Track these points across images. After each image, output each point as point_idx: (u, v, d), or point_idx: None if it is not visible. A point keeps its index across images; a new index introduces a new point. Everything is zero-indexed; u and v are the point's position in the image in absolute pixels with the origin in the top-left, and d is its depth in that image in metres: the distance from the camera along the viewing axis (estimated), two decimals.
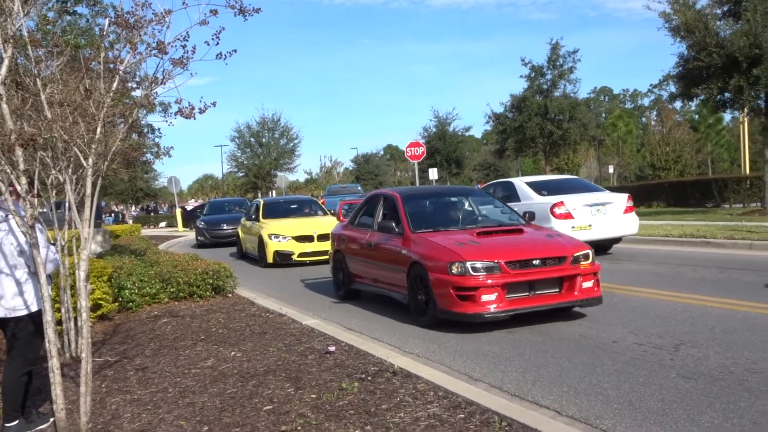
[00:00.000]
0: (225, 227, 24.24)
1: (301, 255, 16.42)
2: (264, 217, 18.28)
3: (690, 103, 31.46)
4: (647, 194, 42.99)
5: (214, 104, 5.27)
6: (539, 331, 7.77)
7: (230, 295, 11.34)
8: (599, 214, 14.38)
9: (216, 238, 24.18)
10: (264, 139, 60.74)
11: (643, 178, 69.34)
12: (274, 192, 58.25)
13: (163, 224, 49.09)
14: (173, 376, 6.48)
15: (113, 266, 10.86)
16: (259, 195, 60.81)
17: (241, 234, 19.83)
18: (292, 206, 19.69)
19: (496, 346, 7.16)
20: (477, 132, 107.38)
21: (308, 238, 16.54)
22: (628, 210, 14.86)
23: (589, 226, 14.13)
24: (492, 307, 7.58)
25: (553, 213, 14.11)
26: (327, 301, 10.90)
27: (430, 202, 10.32)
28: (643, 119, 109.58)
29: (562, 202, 14.21)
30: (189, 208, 46.00)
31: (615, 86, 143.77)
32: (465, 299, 7.66)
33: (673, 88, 28.44)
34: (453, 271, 7.73)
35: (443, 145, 57.01)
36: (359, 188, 38.56)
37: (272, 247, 16.54)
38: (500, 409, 4.91)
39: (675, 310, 8.44)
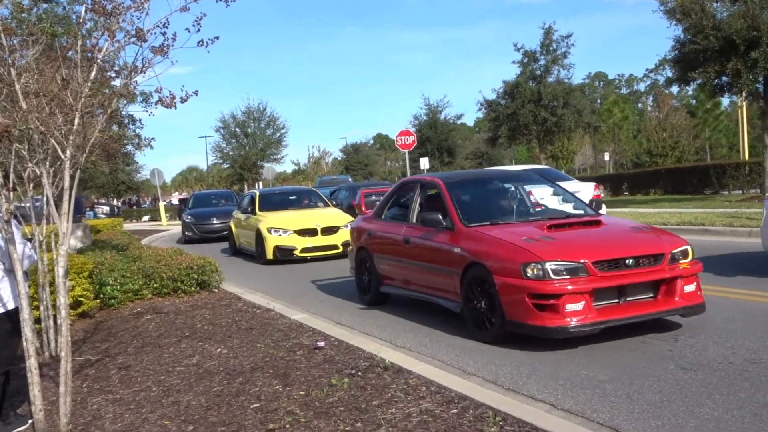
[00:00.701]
0: (214, 221, 23.81)
1: (304, 250, 15.80)
2: (261, 210, 17.58)
3: (687, 87, 31.53)
4: (644, 181, 43.17)
5: (195, 93, 5.24)
6: None
7: (216, 290, 11.31)
8: (566, 204, 14.72)
9: (205, 233, 23.71)
10: (250, 130, 60.56)
11: (640, 165, 69.57)
12: (260, 183, 58.13)
13: (146, 218, 48.92)
14: (157, 375, 6.46)
15: (94, 262, 10.81)
16: (246, 187, 60.72)
17: (234, 228, 19.17)
18: (290, 197, 19.04)
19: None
20: (469, 120, 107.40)
21: (311, 232, 15.94)
22: (594, 198, 15.10)
23: None
24: (577, 319, 6.41)
25: None
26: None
27: (481, 188, 9.14)
28: (639, 105, 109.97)
29: (530, 192, 14.62)
30: (175, 201, 45.89)
31: (610, 71, 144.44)
32: (544, 309, 6.47)
33: (669, 73, 28.55)
34: (528, 274, 6.54)
35: (434, 134, 57.06)
36: (349, 179, 38.53)
37: (272, 242, 15.90)
38: (494, 403, 4.92)
39: None
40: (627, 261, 6.71)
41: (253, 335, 7.85)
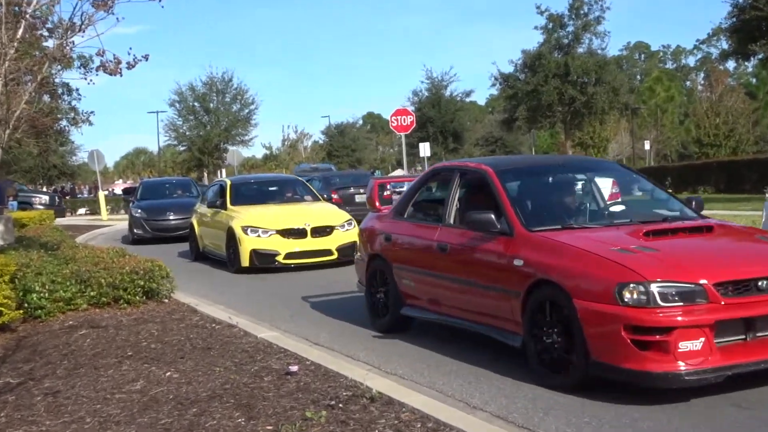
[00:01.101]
0: (171, 217, 23.37)
1: (289, 256, 15.19)
2: (233, 203, 16.86)
3: (746, 62, 31.69)
4: (692, 176, 43.35)
5: (145, 58, 5.24)
6: None
7: (166, 300, 11.28)
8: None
9: (159, 231, 23.25)
10: (212, 105, 60.54)
11: (688, 156, 69.93)
12: (224, 171, 58.05)
13: (82, 211, 48.83)
14: (92, 403, 6.43)
15: (17, 263, 10.76)
16: (206, 175, 60.69)
17: (196, 226, 18.47)
18: (270, 188, 18.43)
19: (501, 365, 7.19)
20: (480, 98, 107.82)
21: (298, 233, 15.33)
22: (612, 197, 15.04)
23: None
24: (695, 362, 5.73)
25: None
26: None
27: (543, 180, 8.52)
28: (688, 83, 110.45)
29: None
30: (118, 190, 45.79)
31: (653, 42, 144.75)
32: (647, 347, 5.80)
33: (725, 44, 28.68)
34: (626, 299, 5.86)
35: (438, 114, 57.20)
36: (332, 168, 38.55)
37: (248, 244, 15.22)
38: None
39: None
40: (760, 283, 6.03)
41: (211, 356, 7.82)
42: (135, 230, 23.76)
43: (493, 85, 45.53)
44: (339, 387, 6.42)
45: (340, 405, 5.91)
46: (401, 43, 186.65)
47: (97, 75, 5.03)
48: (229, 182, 18.19)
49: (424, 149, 38.95)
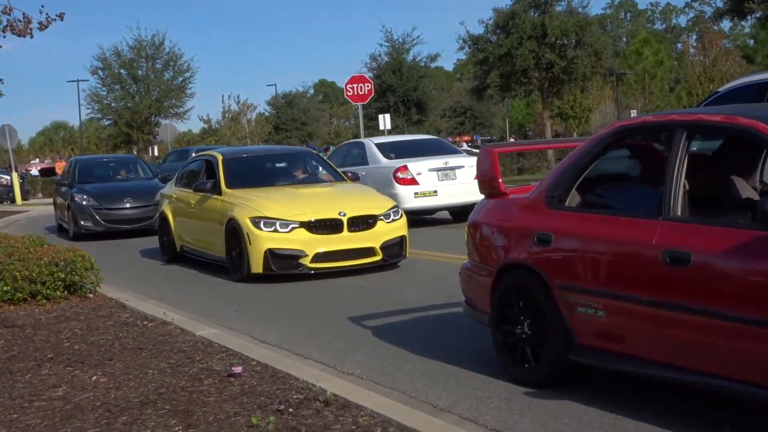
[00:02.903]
0: (129, 205, 21.41)
1: (318, 258, 12.49)
2: (230, 185, 14.17)
3: (742, 22, 32.02)
4: None
5: (60, 17, 5.20)
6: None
7: (91, 295, 11.24)
8: (447, 180, 18.77)
9: (114, 224, 21.13)
10: (140, 72, 60.03)
11: None
12: (155, 148, 57.62)
13: None
14: (8, 411, 6.40)
15: None
16: (135, 152, 60.13)
17: (171, 218, 15.89)
18: (278, 164, 16.09)
19: (470, 362, 7.25)
20: (447, 63, 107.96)
21: (331, 226, 12.66)
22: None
23: (435, 192, 18.62)
24: None
25: (396, 178, 18.45)
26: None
27: None
28: (679, 45, 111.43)
29: (405, 167, 18.67)
30: (34, 171, 45.09)
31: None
32: None
33: (719, 2, 28.95)
34: None
35: (399, 82, 57.15)
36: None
37: (262, 242, 12.47)
38: None
39: None
40: None
41: (143, 358, 7.81)
42: (80, 222, 21.09)
43: (462, 48, 45.69)
44: (289, 389, 6.44)
45: (290, 410, 5.94)
46: (357, 2, 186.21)
47: (4, 37, 4.96)
48: (220, 157, 15.14)
49: (384, 121, 38.94)
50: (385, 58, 58.95)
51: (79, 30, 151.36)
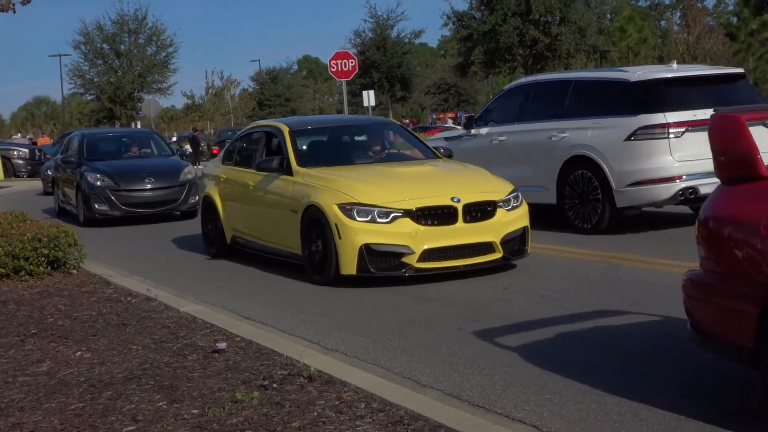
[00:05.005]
0: (149, 186, 18.66)
1: (427, 256, 9.93)
2: (301, 164, 11.44)
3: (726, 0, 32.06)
4: None
5: None
6: (517, 318, 7.94)
7: (75, 271, 11.21)
8: None
9: (135, 207, 18.42)
10: (123, 47, 59.82)
11: None
12: (138, 123, 57.33)
13: None
14: None
15: None
16: (117, 126, 59.77)
17: (217, 201, 12.98)
18: (357, 137, 13.37)
19: (453, 339, 7.28)
20: (431, 39, 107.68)
21: (444, 215, 10.07)
22: None
23: None
24: None
25: None
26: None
27: None
28: (663, 23, 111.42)
29: None
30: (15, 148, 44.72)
31: None
32: None
33: None
34: None
35: (383, 58, 57.03)
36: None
37: (357, 236, 9.88)
38: (457, 425, 5.01)
39: None
40: None
41: (127, 333, 7.81)
42: (94, 205, 18.34)
43: (446, 24, 45.60)
44: (273, 365, 6.47)
45: (274, 385, 5.96)
46: None
47: None
48: (286, 129, 12.18)
49: (368, 98, 38.87)
50: (370, 35, 58.88)
51: (61, 3, 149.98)
